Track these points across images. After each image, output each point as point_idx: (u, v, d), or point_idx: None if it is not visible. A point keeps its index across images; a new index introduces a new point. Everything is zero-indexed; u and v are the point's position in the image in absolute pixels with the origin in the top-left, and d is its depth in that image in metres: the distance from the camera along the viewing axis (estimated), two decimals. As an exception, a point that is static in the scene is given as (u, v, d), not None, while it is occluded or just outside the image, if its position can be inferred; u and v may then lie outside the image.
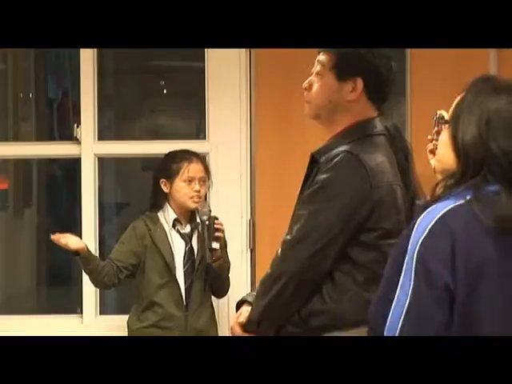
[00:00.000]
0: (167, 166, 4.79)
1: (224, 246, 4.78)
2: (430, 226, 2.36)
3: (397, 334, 2.35)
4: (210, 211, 4.70)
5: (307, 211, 3.31)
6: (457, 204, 2.37)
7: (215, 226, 4.64)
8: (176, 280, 4.73)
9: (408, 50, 5.24)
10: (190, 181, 4.71)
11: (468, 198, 2.36)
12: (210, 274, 4.75)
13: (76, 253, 4.65)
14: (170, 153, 4.83)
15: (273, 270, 3.37)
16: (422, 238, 2.34)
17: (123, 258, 4.81)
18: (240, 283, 4.89)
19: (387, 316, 2.39)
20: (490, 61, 5.18)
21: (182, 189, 4.71)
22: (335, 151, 3.30)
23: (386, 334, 2.38)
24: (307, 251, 3.27)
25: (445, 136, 2.55)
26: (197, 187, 4.70)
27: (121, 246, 4.88)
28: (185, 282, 4.73)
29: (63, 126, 5.62)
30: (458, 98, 2.54)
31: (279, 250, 3.38)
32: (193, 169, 4.74)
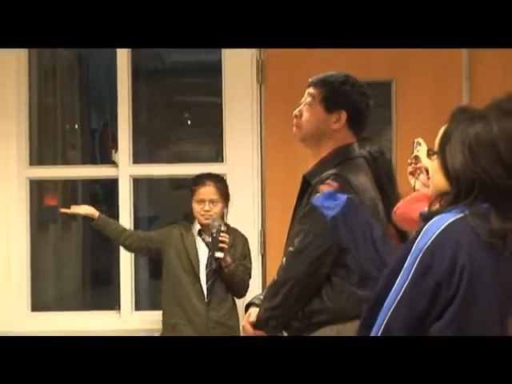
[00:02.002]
0: (190, 187, 4.81)
1: (242, 257, 4.80)
2: (434, 236, 2.33)
3: (386, 319, 2.32)
4: (220, 225, 4.68)
5: (306, 226, 3.31)
6: (457, 218, 2.35)
7: (220, 238, 4.63)
8: (199, 280, 4.72)
9: (393, 85, 5.17)
10: (201, 202, 4.72)
11: (465, 212, 2.34)
12: (222, 279, 4.75)
13: (92, 220, 4.77)
14: (195, 176, 4.85)
15: (279, 277, 3.38)
16: (427, 245, 2.32)
17: (149, 234, 4.91)
18: (252, 282, 4.85)
19: (376, 311, 2.37)
20: (462, 92, 5.11)
21: (195, 208, 4.74)
22: (325, 174, 3.31)
23: (378, 319, 2.36)
24: (308, 260, 3.28)
25: (435, 165, 2.52)
26: (206, 207, 4.71)
27: (152, 231, 5.02)
28: (206, 282, 4.71)
29: (103, 152, 5.62)
30: (442, 130, 2.52)
31: (284, 259, 3.39)
32: (203, 192, 4.74)
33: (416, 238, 2.37)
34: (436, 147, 2.54)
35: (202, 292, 4.74)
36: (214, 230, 4.67)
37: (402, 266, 2.35)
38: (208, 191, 4.75)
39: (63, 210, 4.93)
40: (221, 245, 4.63)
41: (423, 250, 2.32)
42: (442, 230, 2.33)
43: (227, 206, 4.86)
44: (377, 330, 2.35)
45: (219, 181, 4.84)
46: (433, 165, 2.57)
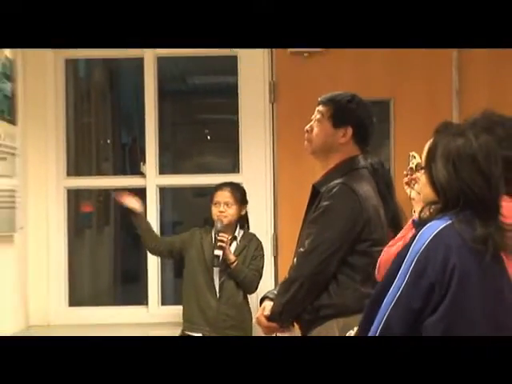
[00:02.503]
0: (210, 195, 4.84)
1: (253, 258, 4.76)
2: (427, 241, 2.34)
3: (386, 314, 2.33)
4: (221, 226, 4.67)
5: (315, 230, 3.33)
6: (446, 224, 2.35)
7: (218, 237, 4.62)
8: (213, 278, 4.71)
9: (392, 103, 5.15)
10: (216, 204, 4.71)
11: (452, 220, 2.35)
12: (230, 275, 4.73)
13: (134, 213, 4.76)
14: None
15: (290, 275, 3.40)
16: (422, 249, 2.32)
17: (172, 240, 4.91)
18: (266, 281, 4.84)
19: (377, 308, 2.38)
20: (452, 109, 5.10)
21: (212, 210, 4.72)
22: (333, 183, 3.32)
23: (379, 315, 2.36)
24: (316, 260, 3.29)
25: (423, 179, 2.52)
26: (221, 209, 4.69)
27: (176, 235, 5.00)
28: (219, 280, 4.70)
29: (133, 164, 5.58)
30: (426, 146, 2.52)
31: (295, 259, 3.41)
32: (219, 195, 4.73)
33: (411, 243, 2.36)
34: (423, 163, 2.53)
35: (214, 288, 4.71)
36: (215, 231, 4.68)
37: (400, 268, 2.34)
38: (223, 194, 4.73)
39: (118, 194, 4.86)
40: (219, 243, 4.62)
41: (418, 253, 2.32)
42: (434, 235, 2.33)
43: (244, 209, 4.82)
44: (377, 325, 2.35)
45: (234, 186, 4.81)
46: (422, 178, 2.55)
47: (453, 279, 2.27)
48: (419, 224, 2.45)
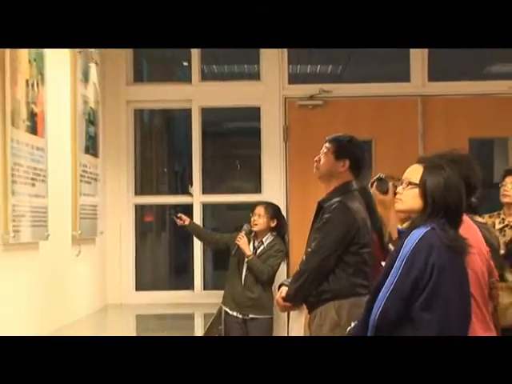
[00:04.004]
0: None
1: (269, 257, 4.68)
2: (414, 244, 2.32)
3: (383, 303, 2.31)
4: (244, 230, 4.66)
5: (319, 236, 3.32)
6: (428, 230, 2.33)
7: (238, 237, 4.65)
8: (241, 270, 4.73)
9: (373, 143, 5.10)
10: (253, 215, 4.72)
11: (432, 226, 2.35)
12: (247, 268, 4.67)
13: (187, 226, 4.86)
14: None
15: (300, 268, 3.39)
16: (409, 251, 2.30)
17: (220, 236, 4.93)
18: (281, 273, 4.86)
19: (375, 299, 2.38)
20: (418, 147, 5.07)
21: (251, 218, 4.74)
22: (333, 201, 3.32)
23: (376, 304, 2.34)
24: (319, 258, 3.30)
25: (412, 193, 2.43)
26: (254, 218, 4.70)
27: (224, 234, 4.97)
28: (244, 271, 4.70)
29: (183, 187, 5.45)
30: (412, 169, 2.47)
31: (304, 257, 3.40)
32: (256, 208, 4.74)
33: (401, 246, 2.35)
34: (418, 180, 2.42)
35: (241, 277, 4.70)
36: (242, 231, 4.67)
37: (392, 267, 2.34)
38: (258, 209, 4.73)
39: (180, 216, 4.89)
40: (236, 241, 4.64)
41: (407, 254, 2.31)
42: (420, 238, 2.32)
43: (274, 222, 4.73)
44: (376, 311, 2.34)
45: (269, 204, 4.78)
46: (409, 193, 2.45)
47: (433, 273, 2.28)
48: (404, 231, 2.43)
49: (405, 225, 2.51)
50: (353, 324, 2.60)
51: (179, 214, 4.96)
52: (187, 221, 4.93)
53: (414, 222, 2.40)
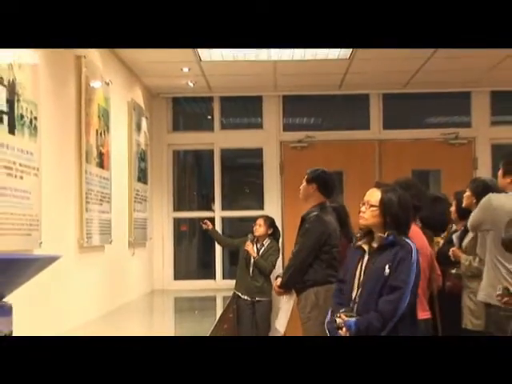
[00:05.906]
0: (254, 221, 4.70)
1: (269, 255, 4.57)
2: (416, 253, 2.26)
3: (408, 298, 2.16)
4: (249, 238, 4.58)
5: (301, 240, 3.30)
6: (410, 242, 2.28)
7: (246, 244, 4.58)
8: (250, 265, 4.64)
9: (344, 173, 5.02)
10: (255, 225, 4.66)
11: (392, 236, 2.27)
12: (254, 264, 4.58)
13: (210, 230, 4.79)
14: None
15: (288, 264, 3.40)
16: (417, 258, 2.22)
17: (233, 241, 4.83)
18: (279, 267, 4.72)
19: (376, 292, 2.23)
20: (375, 174, 4.99)
21: (254, 227, 4.66)
22: (311, 215, 3.28)
23: (400, 298, 2.17)
24: (302, 256, 3.29)
25: (374, 213, 2.32)
26: (256, 227, 4.63)
27: (236, 239, 4.81)
28: (251, 267, 4.63)
29: (208, 205, 5.36)
30: (372, 193, 2.35)
31: (291, 255, 3.39)
32: (257, 220, 4.68)
33: (411, 253, 2.26)
34: (377, 202, 2.30)
35: (249, 271, 4.63)
36: (249, 239, 4.60)
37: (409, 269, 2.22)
38: (259, 220, 4.68)
39: (206, 222, 4.78)
40: (245, 247, 4.59)
41: (416, 260, 2.25)
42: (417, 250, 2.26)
43: (271, 230, 4.64)
44: (403, 304, 2.22)
45: (267, 217, 4.72)
46: (371, 212, 2.33)
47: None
48: (392, 240, 2.28)
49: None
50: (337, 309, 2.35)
51: (205, 220, 4.93)
52: (210, 226, 4.88)
53: (388, 234, 2.29)
